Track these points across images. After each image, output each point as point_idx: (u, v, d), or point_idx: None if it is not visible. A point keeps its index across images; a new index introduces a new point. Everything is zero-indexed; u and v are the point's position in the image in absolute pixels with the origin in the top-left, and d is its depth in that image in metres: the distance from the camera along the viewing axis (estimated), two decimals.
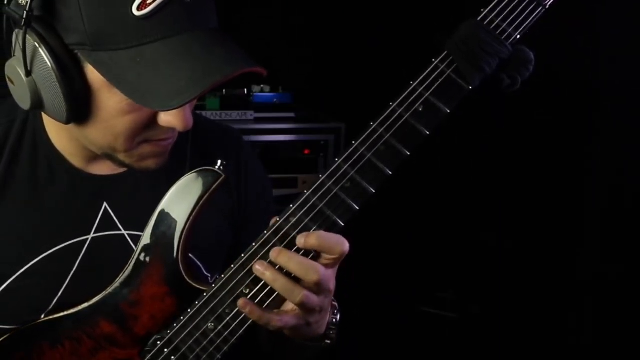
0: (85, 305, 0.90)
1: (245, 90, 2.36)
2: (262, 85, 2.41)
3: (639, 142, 2.00)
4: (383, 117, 0.79)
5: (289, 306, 0.84)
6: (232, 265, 0.84)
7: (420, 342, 2.44)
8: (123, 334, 0.90)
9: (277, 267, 0.80)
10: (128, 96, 0.75)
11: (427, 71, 0.78)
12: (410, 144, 0.79)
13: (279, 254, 0.80)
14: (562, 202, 2.25)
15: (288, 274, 0.80)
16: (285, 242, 0.81)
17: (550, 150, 2.24)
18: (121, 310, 0.89)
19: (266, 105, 2.36)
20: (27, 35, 0.76)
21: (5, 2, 0.79)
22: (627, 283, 2.05)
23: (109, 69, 0.75)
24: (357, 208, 0.80)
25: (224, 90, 2.32)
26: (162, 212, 0.88)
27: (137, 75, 0.74)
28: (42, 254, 0.92)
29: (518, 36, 0.76)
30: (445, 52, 0.78)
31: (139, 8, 0.73)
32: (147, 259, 0.89)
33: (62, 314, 0.90)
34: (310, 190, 0.81)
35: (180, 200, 0.88)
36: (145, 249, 0.89)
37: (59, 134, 0.92)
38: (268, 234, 0.82)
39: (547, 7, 0.76)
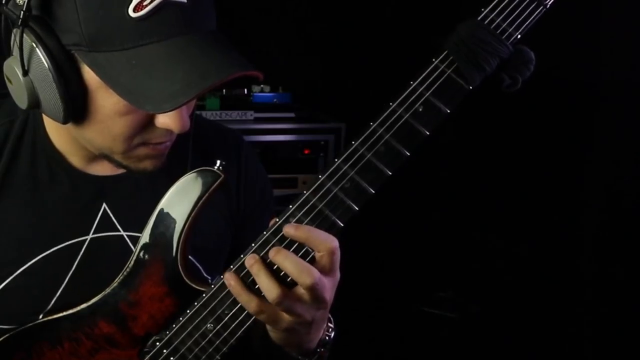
0: (84, 305, 0.90)
1: (245, 90, 2.36)
2: (262, 85, 2.40)
3: (639, 142, 2.00)
4: (383, 117, 0.79)
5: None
6: (232, 266, 0.84)
7: (420, 342, 2.44)
8: (122, 334, 0.90)
9: (275, 267, 0.80)
10: (123, 98, 0.75)
11: (427, 71, 0.78)
12: (410, 144, 0.79)
13: (276, 253, 0.79)
14: (562, 202, 2.25)
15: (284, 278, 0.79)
16: (284, 243, 0.81)
17: (550, 150, 2.24)
18: (120, 310, 0.89)
19: (266, 105, 2.35)
20: (24, 35, 0.76)
21: (4, 2, 0.78)
22: (628, 282, 2.05)
23: (105, 70, 0.75)
24: (357, 208, 0.80)
25: (224, 91, 2.31)
26: (162, 211, 0.88)
27: (132, 77, 0.74)
28: (40, 254, 0.91)
29: (519, 36, 0.76)
30: (446, 52, 0.77)
31: (135, 10, 0.72)
32: (147, 258, 0.89)
33: (61, 315, 0.90)
34: (310, 191, 0.81)
35: (179, 200, 0.88)
36: (145, 248, 0.89)
37: (59, 134, 0.92)
38: (267, 235, 0.82)
39: (548, 6, 0.75)
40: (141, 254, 0.89)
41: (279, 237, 0.81)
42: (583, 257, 2.23)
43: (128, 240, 0.96)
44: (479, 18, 0.76)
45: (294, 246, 0.80)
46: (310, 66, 2.63)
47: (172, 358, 0.88)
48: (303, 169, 2.22)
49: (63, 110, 0.78)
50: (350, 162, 0.80)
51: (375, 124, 0.79)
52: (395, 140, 0.79)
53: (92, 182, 0.95)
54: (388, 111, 0.79)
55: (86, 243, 0.94)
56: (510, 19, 0.75)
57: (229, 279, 0.82)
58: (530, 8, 0.75)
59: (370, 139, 0.79)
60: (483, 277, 2.45)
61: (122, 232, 0.96)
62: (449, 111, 0.78)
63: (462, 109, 0.80)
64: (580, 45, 2.05)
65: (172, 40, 0.75)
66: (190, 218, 0.88)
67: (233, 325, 0.85)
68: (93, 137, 0.85)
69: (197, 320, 0.86)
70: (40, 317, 0.91)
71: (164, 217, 0.88)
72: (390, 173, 0.79)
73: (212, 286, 0.85)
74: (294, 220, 0.81)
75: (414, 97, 0.78)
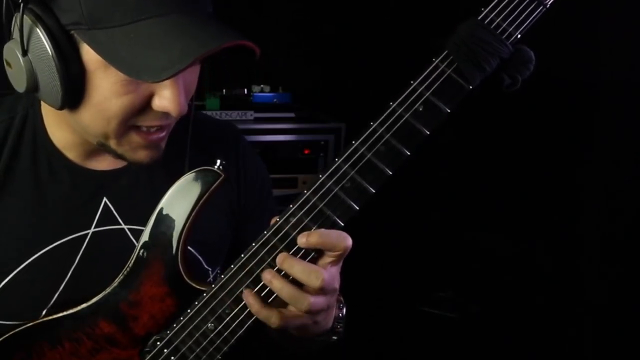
0: (85, 305, 0.90)
1: (245, 90, 2.37)
2: (262, 85, 2.41)
3: (639, 142, 2.00)
4: (383, 117, 0.79)
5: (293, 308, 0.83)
6: (232, 266, 0.84)
7: (420, 342, 2.44)
8: (123, 334, 0.90)
9: (282, 273, 0.80)
10: (121, 71, 0.75)
11: (428, 71, 0.78)
12: (411, 143, 0.79)
13: (283, 261, 0.80)
14: (562, 202, 2.25)
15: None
16: (285, 242, 0.81)
17: (550, 151, 2.24)
18: (121, 310, 0.89)
19: (266, 105, 2.36)
20: (24, 16, 0.77)
21: None
22: (628, 282, 2.05)
23: (104, 47, 0.76)
24: (357, 208, 0.80)
25: (224, 91, 2.32)
26: (162, 211, 0.88)
27: (131, 51, 0.74)
28: (42, 249, 0.92)
29: (519, 35, 0.76)
30: (446, 52, 0.77)
31: None
32: (147, 258, 0.89)
33: (61, 314, 0.90)
34: (310, 190, 0.81)
35: (179, 200, 0.88)
36: (145, 248, 0.89)
37: (59, 129, 0.93)
38: (268, 234, 0.82)
39: (548, 6, 0.75)
40: (141, 254, 0.89)
41: (279, 236, 0.81)
42: (583, 257, 2.23)
43: (129, 234, 0.96)
44: (479, 18, 0.76)
45: (295, 247, 0.81)
46: (310, 66, 2.63)
47: (172, 358, 0.88)
48: (303, 169, 2.22)
49: (61, 91, 0.79)
50: (351, 161, 0.80)
51: (376, 124, 0.79)
52: (396, 139, 0.79)
53: (92, 177, 0.95)
54: (388, 111, 0.79)
55: (88, 237, 0.94)
56: (510, 18, 0.75)
57: (248, 296, 0.82)
58: (530, 8, 0.75)
59: (371, 139, 0.79)
60: (483, 277, 2.45)
61: (123, 226, 0.96)
62: (449, 111, 0.78)
63: (463, 109, 0.80)
64: (580, 45, 2.05)
65: (170, 16, 0.76)
66: (190, 218, 0.88)
67: (234, 325, 0.85)
68: (89, 122, 0.84)
69: (197, 320, 0.86)
70: (44, 312, 0.91)
71: (164, 217, 0.88)
72: (390, 173, 0.79)
73: (213, 286, 0.85)
74: (295, 219, 0.81)
75: (414, 96, 0.78)
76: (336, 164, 0.80)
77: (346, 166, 0.80)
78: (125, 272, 0.89)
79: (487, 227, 2.46)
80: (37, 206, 0.93)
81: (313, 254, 0.80)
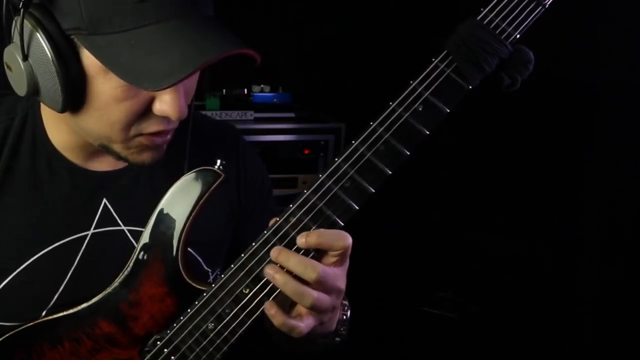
0: (85, 305, 0.90)
1: (245, 90, 2.37)
2: (262, 85, 2.41)
3: (639, 142, 2.00)
4: (383, 116, 0.79)
5: (301, 308, 0.83)
6: (232, 265, 0.84)
7: (420, 342, 2.44)
8: (123, 334, 0.90)
9: (284, 270, 0.80)
10: (121, 78, 0.75)
11: (427, 71, 0.78)
12: (410, 143, 0.79)
13: (278, 254, 0.80)
14: (562, 202, 2.25)
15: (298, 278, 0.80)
16: (285, 242, 0.81)
17: (550, 151, 2.24)
18: (121, 310, 0.89)
19: (266, 105, 2.36)
20: (25, 20, 0.77)
21: None
22: (628, 282, 2.05)
23: (104, 53, 0.75)
24: (357, 208, 0.80)
25: (224, 90, 2.32)
26: (162, 211, 0.88)
27: (131, 58, 0.74)
28: (42, 250, 0.92)
29: (518, 36, 0.76)
30: (445, 52, 0.77)
31: None
32: (147, 258, 0.89)
33: (61, 314, 0.90)
34: (310, 190, 0.81)
35: (179, 200, 0.88)
36: (145, 248, 0.89)
37: (58, 130, 0.93)
38: (268, 234, 0.82)
39: (547, 6, 0.75)
40: (141, 254, 0.89)
41: (279, 236, 0.81)
42: (583, 257, 2.23)
43: (129, 235, 0.96)
44: (478, 18, 0.76)
45: (295, 246, 0.80)
46: (310, 66, 2.63)
47: (172, 357, 0.88)
48: (303, 169, 2.22)
49: (62, 95, 0.79)
50: (351, 161, 0.80)
51: (375, 124, 0.80)
52: (395, 139, 0.79)
53: (91, 178, 0.95)
54: (388, 111, 0.79)
55: (87, 238, 0.94)
56: (510, 18, 0.75)
57: (270, 309, 0.81)
58: (530, 8, 0.75)
59: (370, 139, 0.79)
60: (483, 277, 2.45)
61: (122, 227, 0.96)
62: (448, 111, 0.78)
63: (462, 109, 0.80)
64: (580, 45, 2.05)
65: (171, 22, 0.75)
66: (190, 218, 0.88)
67: (234, 325, 0.85)
68: (91, 126, 0.84)
69: (197, 320, 0.86)
70: (43, 313, 0.91)
71: (164, 217, 0.88)
72: (390, 172, 0.79)
73: (213, 285, 0.85)
74: (294, 219, 0.81)
75: (413, 96, 0.78)
76: (336, 164, 0.80)
77: (346, 166, 0.80)
78: (125, 273, 0.89)
79: (487, 227, 2.46)
80: (37, 206, 0.93)
81: (313, 253, 0.80)
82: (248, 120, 2.24)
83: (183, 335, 0.87)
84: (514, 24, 0.75)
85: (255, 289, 0.83)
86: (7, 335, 0.89)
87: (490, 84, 0.78)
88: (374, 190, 0.80)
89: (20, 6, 0.76)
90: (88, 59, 0.78)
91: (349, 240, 0.79)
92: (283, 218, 0.81)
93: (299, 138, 2.21)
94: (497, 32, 0.76)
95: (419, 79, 0.78)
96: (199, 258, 1.01)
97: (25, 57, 0.79)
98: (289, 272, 0.79)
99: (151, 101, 0.82)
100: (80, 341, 0.90)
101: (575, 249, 2.23)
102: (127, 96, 0.80)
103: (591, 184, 2.18)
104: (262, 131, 2.19)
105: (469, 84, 0.77)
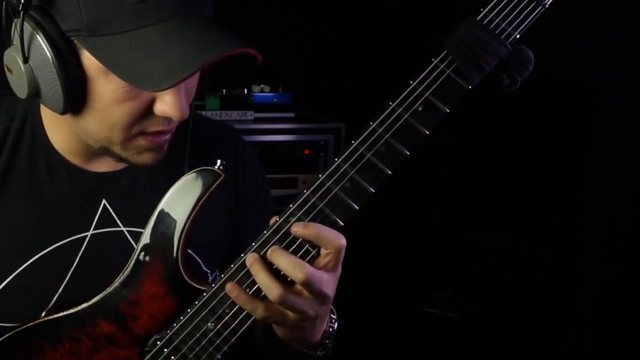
0: (85, 305, 0.90)
1: (245, 90, 2.37)
2: (262, 85, 2.41)
3: (639, 142, 2.00)
4: (382, 116, 0.79)
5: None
6: (232, 265, 0.84)
7: (420, 342, 2.44)
8: (123, 333, 0.90)
9: (274, 267, 0.80)
10: (122, 79, 0.75)
11: (427, 71, 0.78)
12: (410, 143, 0.79)
13: (271, 252, 0.80)
14: (562, 201, 2.25)
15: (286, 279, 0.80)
16: (284, 242, 0.81)
17: (550, 150, 2.24)
18: (121, 310, 0.89)
19: (266, 105, 2.36)
20: (25, 22, 0.77)
21: None
22: (628, 282, 2.05)
23: (104, 54, 0.75)
24: (357, 207, 0.80)
25: (224, 91, 2.32)
26: (162, 212, 0.88)
27: (131, 59, 0.74)
28: (41, 251, 0.92)
29: (517, 35, 0.76)
30: (445, 52, 0.77)
31: None
32: (147, 258, 0.89)
33: (61, 314, 0.90)
34: (310, 190, 0.81)
35: (179, 200, 0.88)
36: (145, 248, 0.89)
37: (58, 131, 0.93)
38: (267, 234, 0.82)
39: (547, 6, 0.75)
40: (142, 254, 0.89)
41: (279, 236, 0.81)
42: (583, 257, 2.23)
43: (128, 236, 0.96)
44: (478, 18, 0.76)
45: (294, 246, 0.81)
46: (310, 66, 2.63)
47: (172, 357, 0.88)
48: (303, 169, 2.23)
49: (62, 97, 0.79)
50: (350, 161, 0.80)
51: (375, 124, 0.79)
52: (395, 139, 0.79)
53: (91, 178, 0.95)
54: (388, 111, 0.79)
55: (87, 239, 0.94)
56: (510, 18, 0.75)
57: (232, 290, 0.82)
58: (529, 8, 0.75)
59: (370, 139, 0.79)
60: (483, 277, 2.45)
61: (122, 228, 0.96)
62: (448, 111, 0.78)
63: (462, 109, 0.80)
64: (579, 45, 2.05)
65: (170, 22, 0.75)
66: (190, 218, 0.88)
67: (234, 324, 0.85)
68: (92, 127, 0.84)
69: (197, 320, 0.86)
70: (43, 314, 0.91)
71: (164, 217, 0.88)
72: (390, 172, 0.79)
73: (213, 285, 0.86)
74: (294, 219, 0.81)
75: (413, 96, 0.78)
76: (336, 164, 0.80)
77: (346, 166, 0.80)
78: (125, 273, 0.89)
79: (487, 227, 2.46)
80: (36, 207, 0.93)
81: (313, 253, 0.81)
82: (248, 120, 2.24)
83: (183, 335, 0.87)
84: (514, 24, 0.75)
85: (255, 289, 0.83)
86: (7, 335, 0.89)
87: (490, 84, 0.78)
88: (373, 190, 0.80)
89: (20, 8, 0.76)
90: (88, 60, 0.78)
91: (343, 241, 0.79)
92: (283, 218, 0.81)
93: (299, 138, 2.22)
94: (496, 32, 0.75)
95: (419, 79, 0.78)
96: (198, 259, 1.01)
97: (25, 60, 0.79)
98: (278, 271, 0.80)
99: (152, 102, 0.82)
100: (80, 341, 0.90)
101: (575, 249, 2.23)
102: (127, 97, 0.80)
103: (591, 184, 2.18)
104: (262, 131, 2.19)
105: (469, 84, 0.77)
